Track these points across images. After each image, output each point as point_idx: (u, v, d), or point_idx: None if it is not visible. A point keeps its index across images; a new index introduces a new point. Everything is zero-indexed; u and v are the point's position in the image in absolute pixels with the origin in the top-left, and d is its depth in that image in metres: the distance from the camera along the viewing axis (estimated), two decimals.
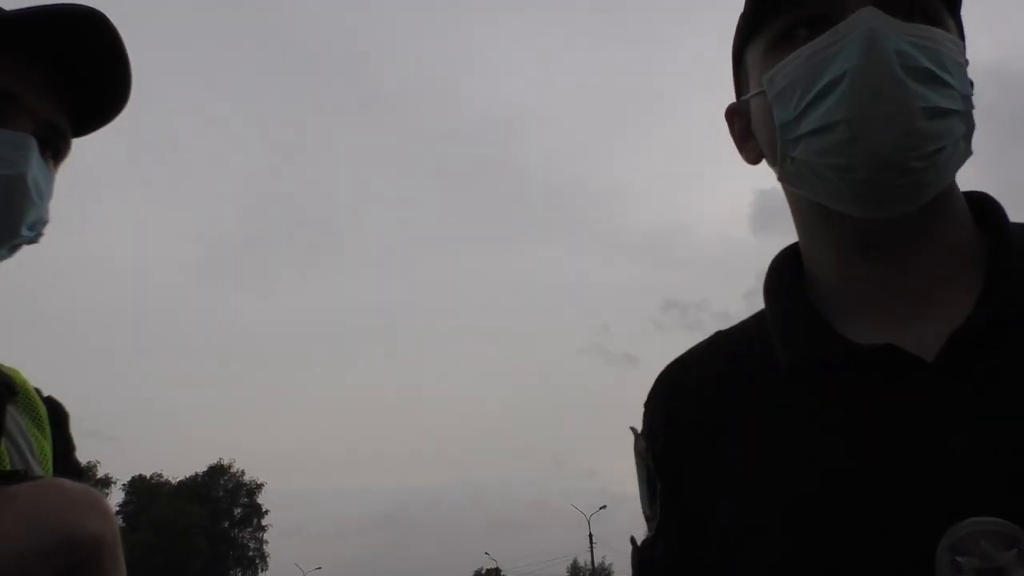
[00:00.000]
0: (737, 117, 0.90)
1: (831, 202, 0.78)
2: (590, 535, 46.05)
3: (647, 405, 0.91)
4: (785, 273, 0.87)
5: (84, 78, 0.90)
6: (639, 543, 0.87)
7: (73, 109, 0.91)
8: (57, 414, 1.01)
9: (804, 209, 0.84)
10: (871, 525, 0.68)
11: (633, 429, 0.90)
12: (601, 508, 49.64)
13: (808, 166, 0.77)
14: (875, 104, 0.72)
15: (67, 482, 0.60)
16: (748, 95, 0.86)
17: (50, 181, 0.90)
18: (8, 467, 0.86)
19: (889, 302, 0.78)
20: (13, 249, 0.88)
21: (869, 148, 0.72)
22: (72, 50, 0.88)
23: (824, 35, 0.75)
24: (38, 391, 1.01)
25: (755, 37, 0.84)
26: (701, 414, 0.83)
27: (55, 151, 0.91)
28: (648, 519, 0.86)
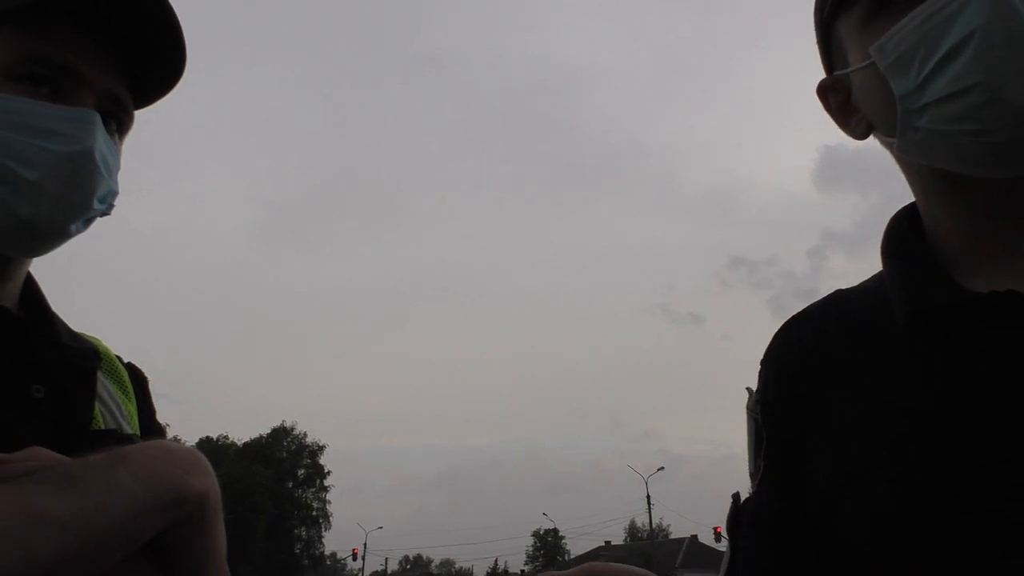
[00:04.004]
0: (832, 93, 0.86)
1: (963, 168, 0.75)
2: (648, 496, 46.22)
3: (763, 360, 0.89)
4: (904, 231, 0.85)
5: (140, 48, 0.89)
6: (742, 501, 0.85)
7: (132, 81, 0.91)
8: (138, 379, 1.06)
9: (925, 174, 0.81)
10: (984, 466, 0.66)
11: (749, 389, 0.89)
12: (659, 470, 49.85)
13: (935, 134, 0.74)
14: (1012, 61, 0.68)
15: (172, 443, 0.66)
16: (848, 69, 0.81)
17: (116, 154, 0.91)
18: (103, 428, 0.91)
19: (1012, 259, 0.76)
20: (87, 223, 0.90)
21: (1009, 108, 0.68)
22: (125, 19, 0.86)
23: None
24: (118, 357, 1.05)
25: (847, 8, 0.80)
26: (812, 366, 0.82)
27: (119, 124, 0.92)
28: (752, 476, 0.85)
